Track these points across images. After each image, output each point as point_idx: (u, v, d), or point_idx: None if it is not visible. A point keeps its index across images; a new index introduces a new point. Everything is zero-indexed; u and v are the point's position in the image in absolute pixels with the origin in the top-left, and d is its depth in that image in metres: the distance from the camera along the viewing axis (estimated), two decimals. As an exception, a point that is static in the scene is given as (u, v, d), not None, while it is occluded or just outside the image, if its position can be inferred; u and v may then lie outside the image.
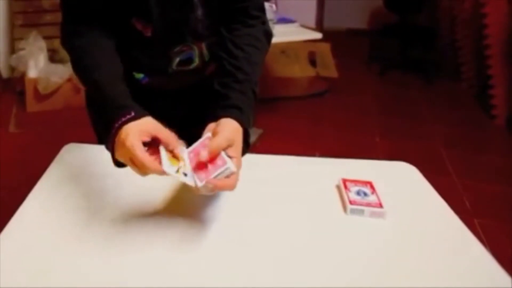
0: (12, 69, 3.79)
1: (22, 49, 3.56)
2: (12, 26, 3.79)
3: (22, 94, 3.60)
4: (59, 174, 1.10)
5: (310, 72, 3.99)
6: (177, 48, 1.12)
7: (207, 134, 0.92)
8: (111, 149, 0.89)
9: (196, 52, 1.15)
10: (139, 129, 0.86)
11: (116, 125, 0.87)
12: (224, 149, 0.87)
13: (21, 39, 3.63)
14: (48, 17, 3.70)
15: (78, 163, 1.14)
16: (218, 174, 0.83)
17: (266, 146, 3.04)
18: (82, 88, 3.65)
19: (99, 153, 1.17)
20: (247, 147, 0.96)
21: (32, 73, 3.50)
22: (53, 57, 3.66)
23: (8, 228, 0.93)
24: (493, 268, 0.85)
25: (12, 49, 3.80)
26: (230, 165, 0.84)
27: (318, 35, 3.43)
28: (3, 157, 2.80)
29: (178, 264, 0.84)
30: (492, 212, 2.45)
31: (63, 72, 3.50)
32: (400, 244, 0.91)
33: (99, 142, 1.28)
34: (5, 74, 3.98)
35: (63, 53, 3.58)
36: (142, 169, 0.83)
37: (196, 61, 1.17)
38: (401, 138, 3.29)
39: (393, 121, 3.56)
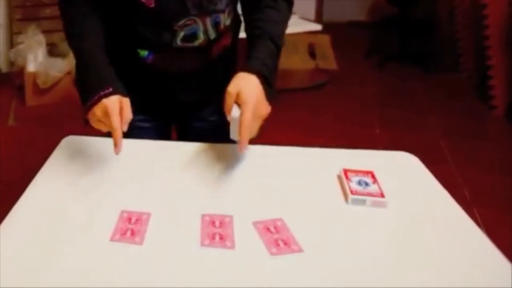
0: (11, 63, 3.77)
1: (21, 43, 3.54)
2: (11, 20, 3.78)
3: (21, 88, 3.59)
4: (58, 167, 1.11)
5: (310, 64, 3.97)
6: (181, 22, 1.12)
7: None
8: (86, 112, 1.04)
9: (200, 27, 1.15)
10: (114, 100, 1.00)
11: (96, 97, 1.01)
12: (236, 100, 1.01)
13: (20, 33, 3.61)
14: (47, 11, 3.69)
15: (77, 156, 1.14)
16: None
17: (266, 137, 3.02)
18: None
19: (98, 146, 1.17)
20: (270, 87, 1.06)
21: (31, 67, 3.48)
22: (52, 51, 3.65)
23: (6, 222, 0.93)
24: (494, 255, 0.85)
25: (11, 43, 3.79)
26: (233, 114, 1.00)
27: (317, 27, 3.43)
28: (2, 151, 2.80)
29: (179, 260, 0.83)
30: (491, 202, 2.46)
31: (62, 66, 3.49)
32: (402, 233, 0.91)
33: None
34: (4, 68, 3.97)
35: (62, 47, 3.56)
36: (108, 120, 0.98)
37: (201, 37, 1.17)
38: (400, 129, 3.28)
39: (393, 113, 3.56)
